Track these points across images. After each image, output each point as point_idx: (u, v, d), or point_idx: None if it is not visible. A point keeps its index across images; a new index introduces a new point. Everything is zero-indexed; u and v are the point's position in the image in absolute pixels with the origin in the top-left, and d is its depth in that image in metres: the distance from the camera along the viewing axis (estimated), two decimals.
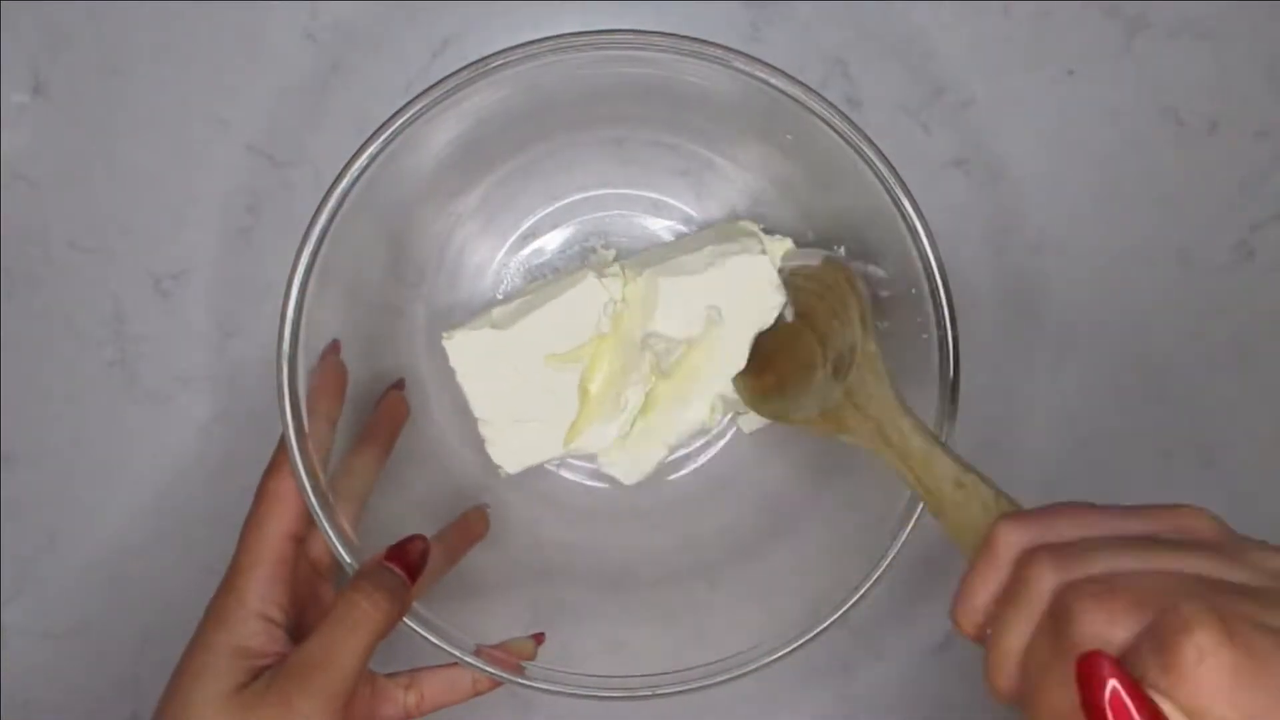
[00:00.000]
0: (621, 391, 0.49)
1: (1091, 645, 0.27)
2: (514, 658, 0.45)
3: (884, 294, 0.46)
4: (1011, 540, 0.31)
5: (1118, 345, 0.54)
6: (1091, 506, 0.32)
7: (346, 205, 0.42)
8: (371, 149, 0.42)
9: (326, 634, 0.39)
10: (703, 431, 0.52)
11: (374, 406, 0.48)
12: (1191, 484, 0.54)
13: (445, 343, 0.48)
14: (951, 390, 0.43)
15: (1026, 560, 0.30)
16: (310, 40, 0.52)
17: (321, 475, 0.42)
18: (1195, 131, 0.53)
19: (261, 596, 0.41)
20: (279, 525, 0.42)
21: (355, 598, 0.40)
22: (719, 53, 0.42)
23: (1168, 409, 0.54)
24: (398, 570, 0.41)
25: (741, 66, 0.42)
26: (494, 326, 0.47)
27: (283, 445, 0.42)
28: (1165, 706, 0.26)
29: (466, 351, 0.48)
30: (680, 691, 0.43)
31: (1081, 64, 0.53)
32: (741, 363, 0.49)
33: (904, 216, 0.42)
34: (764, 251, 0.48)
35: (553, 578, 0.50)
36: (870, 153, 0.42)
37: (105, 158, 0.53)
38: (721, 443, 0.53)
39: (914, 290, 0.43)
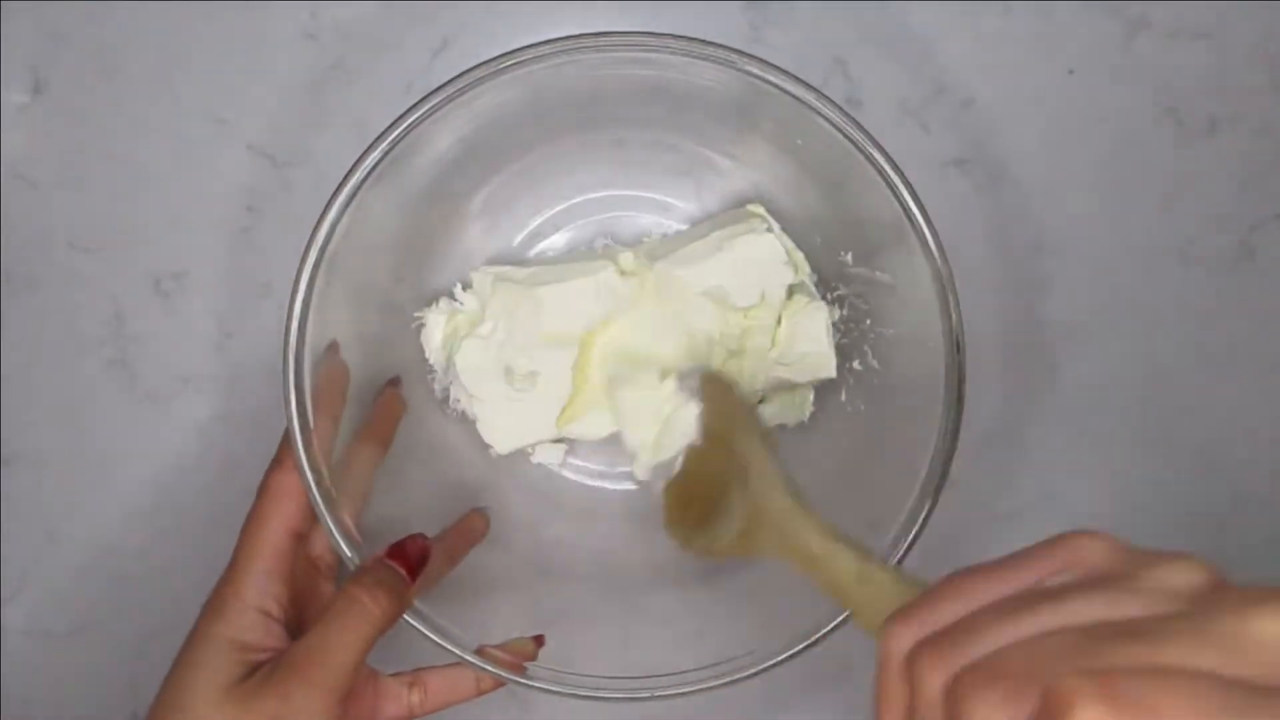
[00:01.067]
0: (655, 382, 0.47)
1: None
2: (515, 658, 0.45)
3: (890, 301, 0.46)
4: (899, 647, 0.29)
5: (1118, 345, 0.54)
6: (973, 571, 0.29)
7: (354, 204, 0.42)
8: (380, 148, 0.42)
9: (326, 628, 0.39)
10: None
11: (371, 404, 0.48)
12: (1192, 484, 0.54)
13: (473, 274, 0.48)
14: (958, 395, 0.42)
15: (912, 664, 0.28)
16: (310, 40, 0.52)
17: (325, 471, 0.42)
18: (1195, 131, 0.53)
19: (260, 591, 0.41)
20: (280, 521, 0.42)
21: (355, 592, 0.40)
22: (729, 55, 0.42)
23: (1168, 409, 0.54)
24: (398, 568, 0.41)
25: (753, 70, 0.42)
26: (518, 283, 0.48)
27: (287, 441, 0.42)
28: None
29: (489, 293, 0.48)
30: (680, 693, 0.43)
31: (1081, 64, 0.53)
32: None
33: (912, 222, 0.42)
34: (770, 230, 0.48)
35: (554, 578, 0.50)
36: (879, 157, 0.42)
37: (105, 158, 0.52)
38: None
39: (921, 295, 0.43)
